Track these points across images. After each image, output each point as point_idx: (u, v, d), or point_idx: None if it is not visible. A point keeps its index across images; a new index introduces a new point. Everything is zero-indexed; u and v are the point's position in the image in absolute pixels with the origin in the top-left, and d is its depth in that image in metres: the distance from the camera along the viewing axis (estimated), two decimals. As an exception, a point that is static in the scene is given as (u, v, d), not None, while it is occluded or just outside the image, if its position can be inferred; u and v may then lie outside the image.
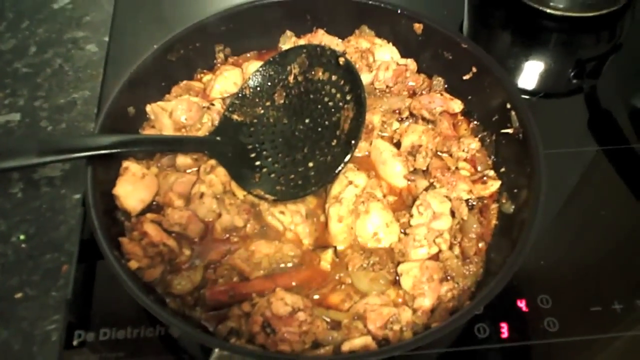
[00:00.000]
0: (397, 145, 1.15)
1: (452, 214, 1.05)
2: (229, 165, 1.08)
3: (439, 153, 1.14)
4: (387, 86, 1.22)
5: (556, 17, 1.48)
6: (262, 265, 1.00)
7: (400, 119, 1.20)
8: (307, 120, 1.10)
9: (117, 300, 0.99)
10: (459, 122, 1.20)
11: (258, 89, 1.15)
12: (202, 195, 1.04)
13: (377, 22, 1.27)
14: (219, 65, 1.27)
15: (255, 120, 1.14)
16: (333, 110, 1.08)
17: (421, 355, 1.00)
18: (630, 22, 1.53)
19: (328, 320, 0.95)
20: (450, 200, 1.05)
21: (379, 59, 1.24)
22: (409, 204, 1.07)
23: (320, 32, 1.27)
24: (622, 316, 1.03)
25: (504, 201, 1.07)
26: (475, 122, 1.19)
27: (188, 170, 1.11)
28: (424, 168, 1.11)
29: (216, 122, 1.15)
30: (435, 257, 1.02)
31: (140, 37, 1.44)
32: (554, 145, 1.22)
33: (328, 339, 0.91)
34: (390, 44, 1.26)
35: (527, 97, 1.38)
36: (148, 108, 1.15)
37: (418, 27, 1.21)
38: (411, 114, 1.19)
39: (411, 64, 1.24)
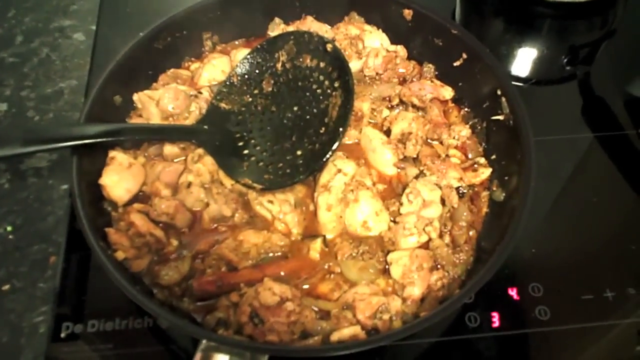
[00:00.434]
0: (387, 132, 1.14)
1: (443, 202, 1.04)
2: (217, 154, 1.07)
3: (429, 140, 1.14)
4: (376, 73, 1.21)
5: (549, 3, 1.47)
6: (251, 255, 0.99)
7: (390, 106, 1.19)
8: (295, 108, 1.09)
9: (105, 291, 0.98)
10: (450, 109, 1.19)
11: (246, 76, 1.14)
12: (189, 184, 1.04)
13: (367, 8, 1.26)
14: (206, 53, 1.26)
15: (243, 109, 1.13)
16: (321, 97, 1.07)
17: (412, 345, 0.99)
18: (624, 8, 1.52)
19: (317, 310, 0.94)
20: (440, 188, 1.05)
21: (368, 46, 1.23)
22: (399, 192, 1.06)
23: (309, 18, 1.26)
24: (613, 304, 1.03)
25: (494, 189, 1.07)
26: (466, 109, 1.18)
27: (175, 160, 1.10)
28: (414, 156, 1.10)
29: (204, 111, 1.14)
30: (425, 246, 1.01)
31: (128, 25, 1.42)
32: (547, 132, 1.23)
33: (317, 329, 0.91)
34: (380, 30, 1.25)
35: (519, 84, 1.37)
36: (135, 97, 1.14)
37: (408, 13, 1.20)
38: (401, 101, 1.18)
39: (401, 50, 1.23)
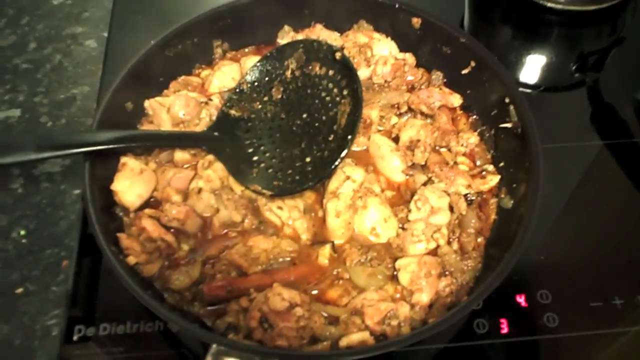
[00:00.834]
0: (396, 140, 1.15)
1: (451, 208, 1.05)
2: (227, 160, 1.08)
3: (437, 148, 1.14)
4: (385, 81, 1.22)
5: (557, 11, 1.47)
6: (260, 261, 1.00)
7: (398, 113, 1.19)
8: (304, 115, 1.10)
9: (117, 295, 0.99)
10: (458, 116, 1.19)
11: (255, 84, 1.15)
12: (200, 190, 1.05)
13: (376, 16, 1.26)
14: (217, 60, 1.27)
15: (252, 116, 1.14)
16: (330, 105, 1.07)
17: (421, 351, 1.00)
18: (632, 16, 1.52)
19: (326, 315, 0.95)
20: (448, 195, 1.05)
21: (377, 54, 1.23)
22: (407, 199, 1.07)
23: (319, 26, 1.27)
24: (622, 312, 1.02)
25: (502, 196, 1.07)
26: (474, 117, 1.18)
27: (186, 166, 1.11)
28: (423, 163, 1.10)
29: (214, 118, 1.14)
30: (434, 253, 1.02)
31: (140, 32, 1.43)
32: (556, 139, 1.23)
33: (326, 334, 0.91)
34: (389, 38, 1.26)
35: (528, 91, 1.37)
36: (146, 103, 1.15)
37: (416, 21, 1.21)
38: (410, 109, 1.19)
39: (409, 58, 1.23)
